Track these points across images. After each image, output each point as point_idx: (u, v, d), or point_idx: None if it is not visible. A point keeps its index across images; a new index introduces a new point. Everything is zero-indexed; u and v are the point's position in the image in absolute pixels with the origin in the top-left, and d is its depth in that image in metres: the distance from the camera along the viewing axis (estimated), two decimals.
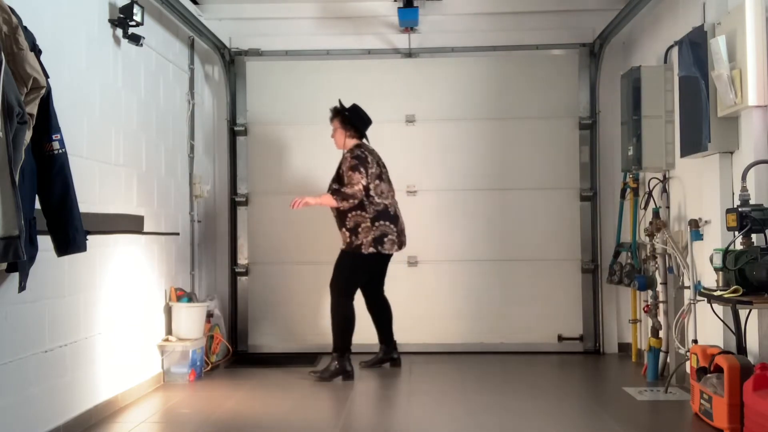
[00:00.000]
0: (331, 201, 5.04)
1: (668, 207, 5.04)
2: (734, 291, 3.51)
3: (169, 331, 5.12)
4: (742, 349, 3.69)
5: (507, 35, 6.17)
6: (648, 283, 5.07)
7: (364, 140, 5.31)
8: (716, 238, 4.17)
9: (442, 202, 5.73)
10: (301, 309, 6.16)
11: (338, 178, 5.18)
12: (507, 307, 6.12)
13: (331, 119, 5.35)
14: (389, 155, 5.49)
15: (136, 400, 4.47)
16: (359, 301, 5.26)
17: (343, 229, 5.15)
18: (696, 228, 4.45)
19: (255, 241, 6.27)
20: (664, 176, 5.06)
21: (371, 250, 5.09)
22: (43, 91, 2.99)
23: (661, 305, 5.01)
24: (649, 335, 5.00)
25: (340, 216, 5.16)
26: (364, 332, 5.35)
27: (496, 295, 6.13)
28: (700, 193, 4.49)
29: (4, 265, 2.95)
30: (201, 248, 5.95)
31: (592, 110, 6.16)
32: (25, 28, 2.93)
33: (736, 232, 3.65)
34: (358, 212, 5.09)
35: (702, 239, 4.43)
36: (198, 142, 5.89)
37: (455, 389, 4.77)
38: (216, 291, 6.12)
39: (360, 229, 5.08)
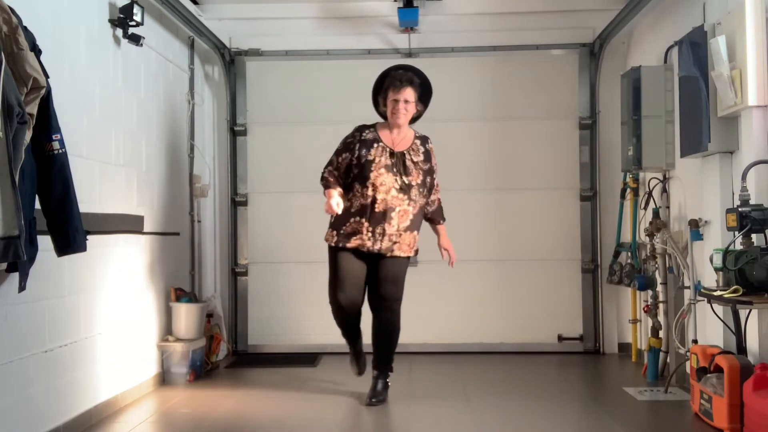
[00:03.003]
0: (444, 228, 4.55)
1: (668, 207, 5.04)
2: (734, 291, 3.51)
3: (169, 331, 5.12)
4: (742, 349, 3.69)
5: (507, 35, 6.17)
6: (648, 283, 5.07)
7: None
8: (716, 238, 4.17)
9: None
10: (301, 309, 6.15)
11: (425, 176, 4.38)
12: (507, 307, 6.11)
13: (408, 85, 4.32)
14: None
15: (136, 400, 4.46)
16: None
17: (415, 233, 4.37)
18: (696, 228, 4.45)
19: (255, 241, 6.26)
20: (664, 176, 5.06)
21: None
22: (43, 91, 2.99)
23: (661, 305, 5.01)
24: (649, 335, 5.00)
25: (420, 214, 4.39)
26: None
27: (496, 295, 6.12)
28: (700, 193, 4.49)
29: (4, 265, 2.95)
30: (201, 248, 5.95)
31: (592, 110, 6.15)
32: (25, 28, 2.93)
33: (736, 232, 3.65)
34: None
35: (702, 239, 4.43)
36: (198, 142, 5.88)
37: (455, 389, 4.77)
38: (216, 291, 6.12)
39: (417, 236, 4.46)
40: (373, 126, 4.46)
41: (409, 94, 4.31)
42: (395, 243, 4.27)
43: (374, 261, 4.34)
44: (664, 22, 5.11)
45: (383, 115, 4.48)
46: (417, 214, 4.35)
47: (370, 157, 4.29)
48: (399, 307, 4.47)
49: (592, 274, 6.13)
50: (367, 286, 4.42)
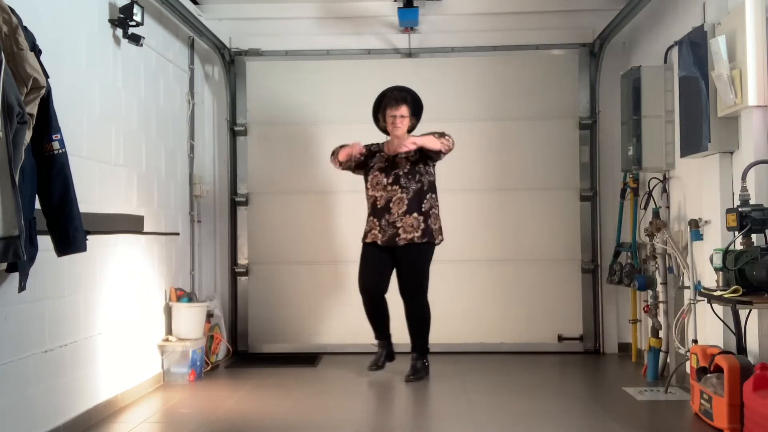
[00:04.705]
0: (434, 142, 4.86)
1: (668, 207, 5.04)
2: (734, 291, 3.51)
3: (169, 331, 5.12)
4: (742, 349, 3.69)
5: (507, 35, 6.17)
6: (648, 283, 5.07)
7: None
8: (716, 238, 4.17)
9: (442, 202, 5.73)
10: (301, 309, 6.15)
11: (414, 167, 4.98)
12: (507, 307, 6.12)
13: (402, 103, 5.04)
14: None
15: (136, 400, 4.47)
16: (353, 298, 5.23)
17: (415, 214, 4.94)
18: (696, 228, 4.45)
19: (255, 241, 6.26)
20: (664, 176, 5.06)
21: (441, 238, 5.09)
22: (43, 91, 2.99)
23: (661, 305, 5.00)
24: (649, 335, 5.00)
25: (417, 197, 4.96)
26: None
27: (496, 295, 6.12)
28: (700, 193, 4.49)
29: (4, 265, 2.95)
30: (201, 248, 5.95)
31: (592, 110, 6.16)
32: (25, 28, 2.93)
33: (736, 232, 3.65)
34: (433, 195, 5.03)
35: (702, 239, 4.43)
36: (198, 142, 5.89)
37: (455, 389, 4.77)
38: (216, 291, 6.12)
39: (431, 214, 4.99)
40: (382, 143, 5.23)
41: (404, 110, 5.04)
42: (399, 227, 4.96)
43: (395, 254, 5.03)
44: (664, 22, 5.11)
45: (383, 130, 5.19)
46: (413, 198, 4.96)
47: (371, 164, 5.12)
48: (423, 297, 5.06)
49: (592, 274, 6.13)
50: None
